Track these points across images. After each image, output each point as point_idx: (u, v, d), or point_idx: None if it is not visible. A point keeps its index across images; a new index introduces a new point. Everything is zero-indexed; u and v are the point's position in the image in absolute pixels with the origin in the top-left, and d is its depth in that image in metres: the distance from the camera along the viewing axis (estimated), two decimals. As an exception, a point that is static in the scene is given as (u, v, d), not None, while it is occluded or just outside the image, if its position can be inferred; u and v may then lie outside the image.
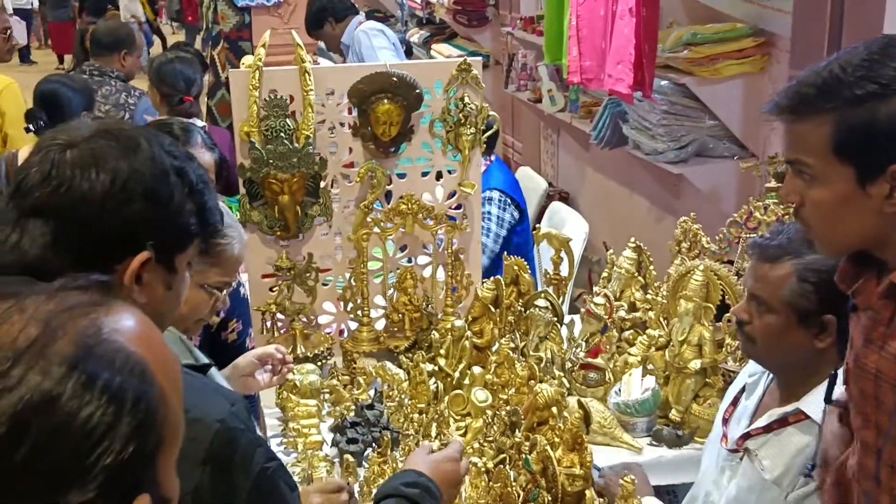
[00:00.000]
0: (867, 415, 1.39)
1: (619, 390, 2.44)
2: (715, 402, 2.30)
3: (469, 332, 2.55)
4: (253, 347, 2.56)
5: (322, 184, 2.72)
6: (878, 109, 1.27)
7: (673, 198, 4.15)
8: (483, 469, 2.02)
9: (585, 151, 5.09)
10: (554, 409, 2.01)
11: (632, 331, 2.61)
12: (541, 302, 2.62)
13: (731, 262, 2.53)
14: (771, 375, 1.97)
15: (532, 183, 4.75)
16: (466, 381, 2.42)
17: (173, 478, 0.76)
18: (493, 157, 3.63)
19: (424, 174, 2.86)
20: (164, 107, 3.74)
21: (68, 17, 13.00)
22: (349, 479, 2.14)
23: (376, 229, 2.74)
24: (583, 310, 2.69)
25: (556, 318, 2.62)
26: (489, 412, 2.28)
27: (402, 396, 2.44)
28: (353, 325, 2.84)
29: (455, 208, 2.89)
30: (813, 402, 1.81)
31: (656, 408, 2.41)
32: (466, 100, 2.75)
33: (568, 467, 1.82)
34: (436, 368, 2.52)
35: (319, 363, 2.63)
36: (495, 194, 3.48)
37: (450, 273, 2.82)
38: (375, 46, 4.70)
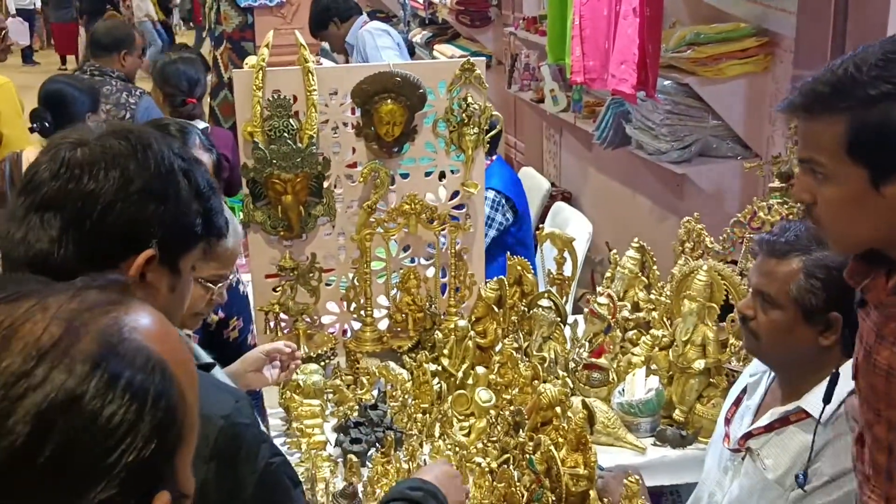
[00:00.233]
0: (878, 410, 1.39)
1: (623, 390, 2.43)
2: (719, 403, 2.29)
3: (472, 332, 2.55)
4: (254, 344, 2.57)
5: (325, 184, 2.73)
6: (893, 110, 1.26)
7: (676, 198, 4.14)
8: (487, 469, 2.01)
9: (588, 151, 5.09)
10: (558, 410, 2.00)
11: (635, 331, 2.61)
12: (544, 302, 2.62)
13: (734, 262, 2.53)
14: (772, 375, 1.97)
15: (534, 183, 4.75)
16: (470, 381, 2.42)
17: (190, 474, 0.77)
18: (494, 157, 3.63)
19: (428, 174, 2.86)
20: (167, 107, 3.75)
21: (71, 18, 13.01)
22: (353, 479, 2.14)
23: (379, 229, 2.74)
24: (586, 310, 2.69)
25: (559, 319, 2.61)
26: (493, 412, 2.28)
27: (406, 396, 2.44)
28: (357, 326, 2.84)
29: (458, 208, 2.89)
30: (814, 400, 1.81)
31: (660, 408, 2.40)
32: (470, 100, 2.75)
33: (572, 467, 1.82)
34: (439, 368, 2.52)
35: (323, 363, 2.63)
36: (490, 194, 3.48)
37: (453, 273, 2.82)
38: (380, 46, 4.70)
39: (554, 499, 1.80)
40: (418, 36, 6.85)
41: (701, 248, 2.62)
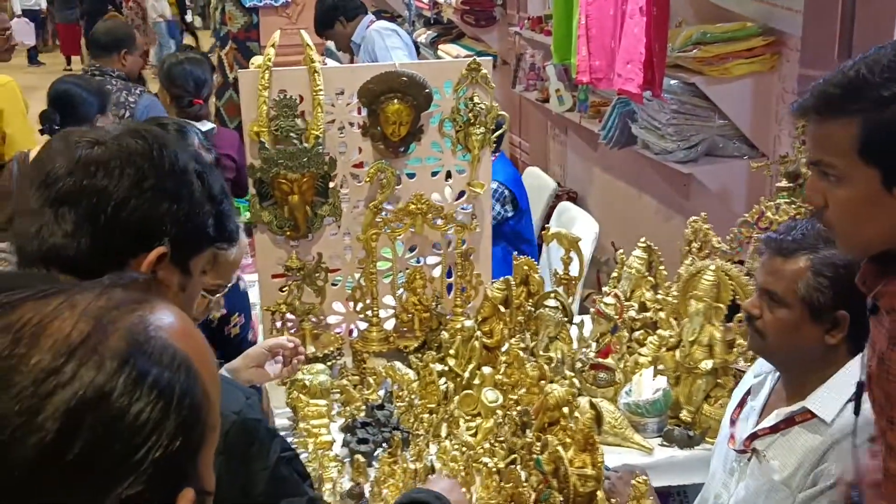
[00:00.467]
0: (892, 418, 1.38)
1: (630, 391, 2.43)
2: (726, 403, 2.28)
3: (479, 332, 2.55)
4: (255, 340, 2.58)
5: (331, 184, 2.73)
6: None
7: (682, 198, 4.13)
8: (494, 469, 2.01)
9: (593, 151, 5.08)
10: (565, 410, 2.00)
11: (642, 331, 2.60)
12: (551, 302, 2.62)
13: (741, 263, 2.52)
14: (776, 375, 1.96)
15: (540, 183, 4.75)
16: (476, 382, 2.42)
17: (212, 472, 0.77)
18: (497, 154, 3.62)
19: (434, 174, 2.86)
20: (174, 108, 3.75)
21: (76, 19, 13.03)
22: (360, 479, 2.14)
23: (386, 229, 2.74)
24: (593, 310, 2.69)
25: (566, 319, 2.61)
26: (499, 412, 2.28)
27: (412, 397, 2.44)
28: (363, 326, 2.84)
29: (464, 208, 2.89)
30: (819, 400, 1.80)
31: (667, 408, 2.40)
32: (476, 99, 2.75)
33: (579, 468, 1.81)
34: (446, 368, 2.52)
35: (329, 363, 2.63)
36: (493, 184, 3.47)
37: (459, 273, 2.82)
38: (389, 47, 4.70)
39: (561, 499, 1.80)
40: (423, 36, 6.85)
41: (708, 248, 2.62)
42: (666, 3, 3.34)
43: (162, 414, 0.69)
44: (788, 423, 1.85)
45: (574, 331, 2.65)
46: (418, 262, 2.91)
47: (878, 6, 2.75)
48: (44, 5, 14.48)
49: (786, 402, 1.89)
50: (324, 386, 2.48)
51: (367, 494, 2.10)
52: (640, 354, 2.52)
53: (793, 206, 2.48)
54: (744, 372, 2.32)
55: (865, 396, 1.52)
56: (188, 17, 13.04)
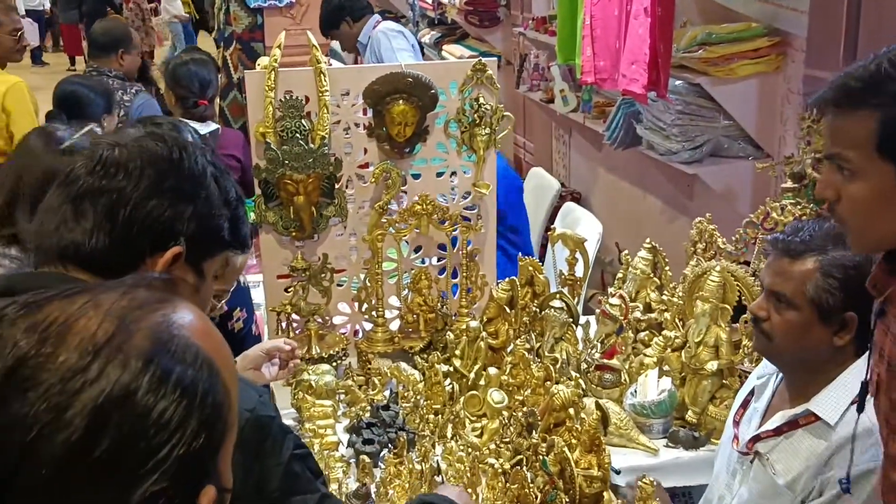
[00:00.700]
0: None
1: (635, 391, 2.43)
2: (731, 404, 2.28)
3: (484, 333, 2.55)
4: (259, 335, 2.58)
5: (337, 184, 2.73)
6: None
7: (687, 198, 4.13)
8: (500, 470, 2.01)
9: (598, 152, 5.08)
10: (571, 411, 2.00)
11: (647, 332, 2.60)
12: (556, 303, 2.61)
13: (747, 263, 2.52)
14: (779, 377, 1.96)
15: (544, 183, 4.74)
16: (482, 382, 2.42)
17: (230, 470, 0.79)
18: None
19: (439, 175, 2.86)
20: (179, 108, 3.75)
21: (79, 19, 13.05)
22: (365, 480, 2.14)
23: (391, 230, 2.74)
24: (598, 311, 2.68)
25: (571, 319, 2.61)
26: (505, 413, 2.28)
27: (418, 397, 2.44)
28: (368, 326, 2.84)
29: (469, 209, 2.89)
30: (823, 403, 1.80)
31: (672, 409, 2.40)
32: (481, 100, 2.75)
33: (586, 469, 1.81)
34: (451, 369, 2.52)
35: (334, 364, 2.63)
36: None
37: (464, 273, 2.82)
38: (395, 48, 4.69)
39: (567, 500, 1.80)
40: (427, 36, 6.85)
41: (713, 249, 2.62)
42: (671, 3, 3.34)
43: (186, 412, 0.70)
44: (792, 426, 1.85)
45: (579, 331, 2.65)
46: (423, 262, 2.91)
47: (883, 6, 2.74)
48: (48, 6, 14.51)
49: (789, 404, 1.89)
50: (329, 386, 2.48)
51: (372, 495, 2.10)
52: (645, 355, 2.52)
53: (798, 206, 2.48)
54: (749, 373, 2.32)
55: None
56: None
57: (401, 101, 2.68)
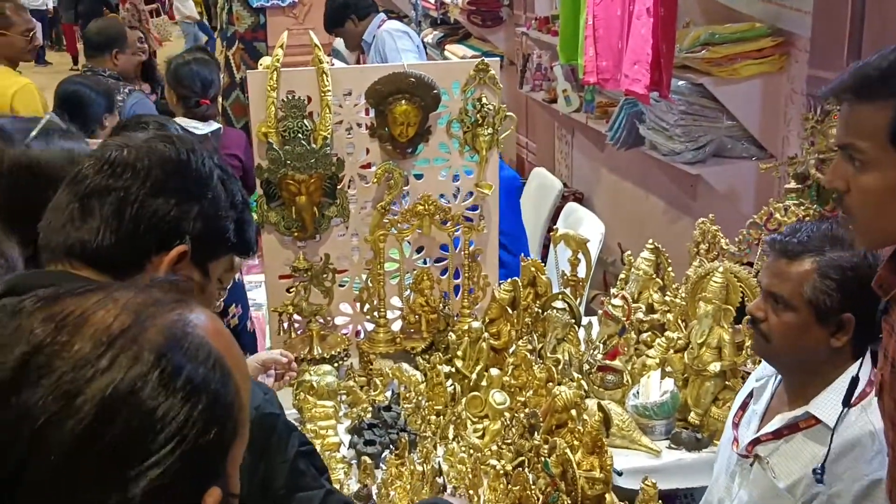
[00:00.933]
0: None
1: (638, 393, 2.42)
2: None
3: (486, 334, 2.54)
4: (253, 331, 2.57)
5: (339, 185, 2.72)
6: None
7: (689, 199, 4.12)
8: (501, 472, 2.00)
9: (600, 152, 5.07)
10: (573, 412, 1.99)
11: (650, 333, 2.59)
12: (558, 304, 2.61)
13: (750, 264, 2.51)
14: (778, 379, 1.95)
15: (546, 183, 4.74)
16: (484, 383, 2.41)
17: (237, 475, 0.79)
18: None
19: (442, 175, 2.86)
20: (181, 108, 3.75)
21: (75, 20, 13.06)
22: (367, 481, 2.14)
23: (393, 230, 2.74)
24: (600, 312, 2.68)
25: (573, 320, 2.60)
26: (507, 414, 2.28)
27: (419, 398, 2.44)
28: (370, 327, 2.84)
29: (472, 209, 2.88)
30: (823, 405, 1.79)
31: (675, 410, 2.39)
32: (484, 100, 2.74)
33: (588, 470, 1.80)
34: (453, 370, 2.51)
35: (336, 364, 2.63)
36: None
37: (466, 274, 2.82)
38: (400, 49, 4.67)
39: (569, 502, 1.79)
40: (430, 36, 6.84)
41: (716, 250, 2.61)
42: (674, 3, 3.33)
43: (194, 408, 0.71)
44: (792, 429, 1.84)
45: (582, 332, 2.65)
46: (425, 263, 2.91)
47: (887, 6, 2.73)
48: (51, 5, 14.52)
49: (788, 406, 1.88)
50: (331, 387, 2.48)
51: (374, 496, 2.10)
52: (647, 356, 2.51)
53: (801, 207, 2.47)
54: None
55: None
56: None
57: (403, 101, 2.68)
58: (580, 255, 2.78)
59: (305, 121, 2.63)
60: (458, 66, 3.02)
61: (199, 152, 1.28)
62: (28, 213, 1.40)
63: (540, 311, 2.66)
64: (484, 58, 2.82)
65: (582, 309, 2.79)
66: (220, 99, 4.87)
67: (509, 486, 1.94)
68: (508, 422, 2.23)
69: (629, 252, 2.84)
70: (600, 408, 2.21)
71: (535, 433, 2.05)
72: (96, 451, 0.67)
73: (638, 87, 3.43)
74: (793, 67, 3.38)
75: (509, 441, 2.17)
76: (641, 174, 4.58)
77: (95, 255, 1.18)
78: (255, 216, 2.67)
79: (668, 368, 2.45)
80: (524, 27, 5.51)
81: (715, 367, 2.34)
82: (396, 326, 2.86)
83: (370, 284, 2.78)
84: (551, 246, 2.92)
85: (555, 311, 2.59)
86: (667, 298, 2.62)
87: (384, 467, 2.17)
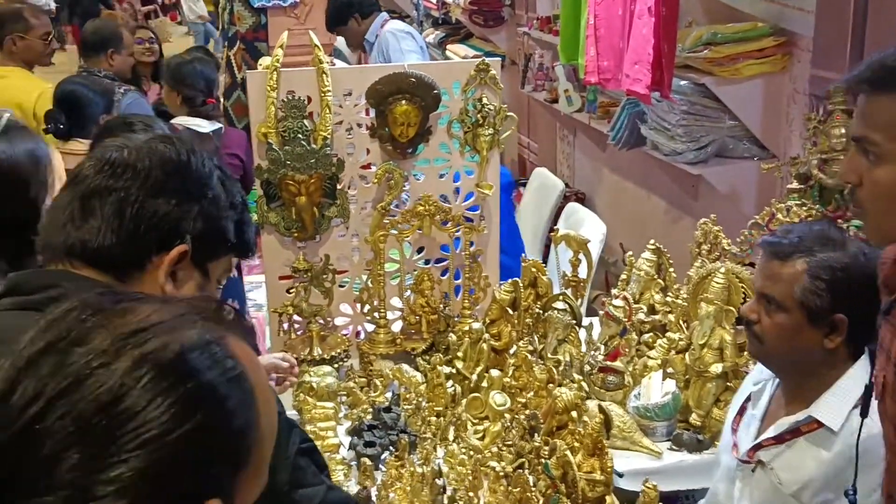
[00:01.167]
0: None
1: (639, 394, 2.41)
2: (736, 407, 2.27)
3: (487, 335, 2.53)
4: (251, 325, 2.56)
5: (339, 185, 2.72)
6: None
7: (691, 199, 4.11)
8: (502, 474, 2.00)
9: (602, 152, 5.06)
10: (573, 414, 1.98)
11: (651, 334, 2.58)
12: (559, 304, 2.60)
13: (752, 265, 2.50)
14: (776, 382, 1.94)
15: (548, 184, 4.73)
16: (484, 384, 2.41)
17: (250, 500, 0.79)
18: None
19: (442, 175, 2.85)
20: (185, 108, 3.74)
21: (69, 20, 13.06)
22: (366, 483, 2.13)
23: (393, 231, 2.73)
24: (602, 312, 2.67)
25: (574, 321, 2.59)
26: (507, 416, 2.27)
27: (420, 399, 2.43)
28: (370, 327, 2.83)
29: (472, 209, 2.87)
30: (825, 408, 1.78)
31: (676, 412, 2.38)
32: (484, 100, 2.73)
33: (588, 472, 1.79)
34: (453, 371, 2.50)
35: (336, 365, 2.62)
36: None
37: (467, 275, 2.81)
38: (404, 49, 4.66)
39: (570, 504, 1.78)
40: (431, 36, 6.83)
41: (718, 251, 2.60)
42: (675, 3, 3.32)
43: (195, 410, 0.70)
44: (794, 433, 1.82)
45: (583, 333, 2.64)
46: (426, 263, 2.90)
47: (890, 6, 2.72)
48: (53, 6, 14.52)
49: (786, 409, 1.87)
50: (331, 388, 2.47)
51: (373, 498, 2.09)
52: (649, 357, 2.50)
53: (804, 208, 2.46)
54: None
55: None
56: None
57: (403, 102, 2.67)
58: (581, 256, 2.76)
59: (305, 121, 2.62)
60: (458, 66, 3.01)
61: (198, 153, 1.29)
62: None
63: (541, 311, 2.65)
64: (485, 58, 2.81)
65: (583, 310, 2.78)
66: (221, 99, 4.87)
67: (509, 488, 1.93)
68: (509, 423, 2.22)
69: (630, 252, 2.83)
70: (601, 409, 2.20)
71: (536, 435, 2.04)
72: (104, 426, 0.68)
73: (639, 87, 3.42)
74: (795, 67, 3.36)
75: (510, 443, 2.16)
76: (643, 174, 4.57)
77: (96, 255, 1.18)
78: (254, 216, 2.69)
79: (670, 369, 2.44)
80: (526, 27, 5.50)
81: (716, 368, 2.33)
82: (397, 327, 2.85)
83: (370, 285, 2.77)
84: (552, 246, 2.91)
85: (556, 311, 2.58)
86: (668, 299, 2.61)
87: (384, 469, 2.16)
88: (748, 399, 2.00)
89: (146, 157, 1.23)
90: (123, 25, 5.01)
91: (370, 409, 2.42)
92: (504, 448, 2.16)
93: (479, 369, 2.47)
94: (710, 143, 3.57)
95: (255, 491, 0.78)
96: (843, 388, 1.77)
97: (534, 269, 2.74)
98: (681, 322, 2.51)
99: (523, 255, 2.94)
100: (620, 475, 2.07)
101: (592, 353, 2.58)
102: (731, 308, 2.34)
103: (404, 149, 2.75)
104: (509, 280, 2.73)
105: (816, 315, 1.75)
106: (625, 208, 4.89)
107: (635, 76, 3.43)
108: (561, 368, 2.45)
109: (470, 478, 2.03)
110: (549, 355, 2.54)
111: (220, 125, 3.84)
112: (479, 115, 2.74)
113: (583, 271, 2.77)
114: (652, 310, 2.63)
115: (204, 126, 3.60)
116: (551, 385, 2.27)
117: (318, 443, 2.28)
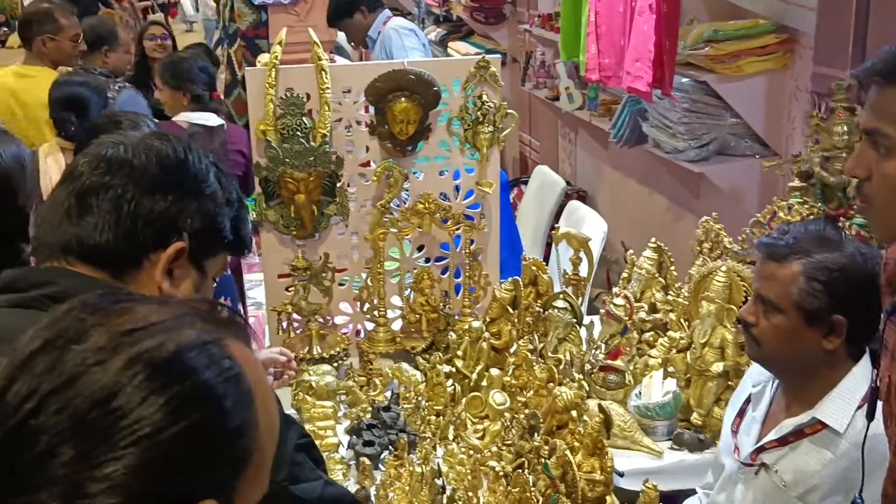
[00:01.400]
0: None
1: (640, 393, 2.40)
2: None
3: (487, 334, 2.52)
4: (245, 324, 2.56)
5: (338, 183, 2.70)
6: None
7: (693, 197, 4.10)
8: (501, 473, 1.99)
9: (604, 150, 5.05)
10: (574, 413, 1.97)
11: (652, 332, 2.57)
12: (559, 303, 2.59)
13: (753, 263, 2.48)
14: (776, 383, 1.92)
15: (549, 181, 4.71)
16: (484, 383, 2.40)
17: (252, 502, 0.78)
18: None
19: (442, 173, 2.84)
20: (190, 105, 3.72)
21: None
22: (365, 482, 2.12)
23: (393, 229, 2.72)
24: (602, 311, 2.66)
25: (575, 320, 2.58)
26: (507, 415, 2.26)
27: (419, 398, 2.42)
28: (370, 326, 2.82)
29: (472, 207, 2.86)
30: (830, 410, 1.76)
31: (677, 411, 2.37)
32: (484, 98, 2.72)
33: (588, 472, 1.78)
34: (453, 370, 2.49)
35: (335, 364, 2.61)
36: None
37: (467, 273, 2.80)
38: (407, 47, 4.62)
39: (570, 504, 1.77)
40: (433, 33, 6.82)
41: (719, 249, 2.59)
42: (677, 0, 3.31)
43: (192, 407, 0.70)
44: (798, 435, 1.81)
45: (583, 332, 2.62)
46: (426, 262, 2.89)
47: (892, 3, 2.70)
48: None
49: (787, 410, 1.85)
50: (330, 387, 2.46)
51: (372, 498, 2.08)
52: (650, 356, 2.49)
53: (805, 206, 2.45)
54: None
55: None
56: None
57: (403, 99, 2.66)
58: (582, 254, 2.75)
59: (304, 118, 2.61)
60: (458, 63, 3.00)
61: (195, 150, 1.28)
62: None
63: (541, 310, 2.64)
64: (486, 55, 2.80)
65: (584, 308, 2.77)
66: (221, 96, 4.87)
67: (509, 488, 1.92)
68: (508, 423, 2.21)
69: (632, 251, 2.81)
70: (601, 408, 2.18)
71: (536, 434, 2.03)
72: (105, 422, 0.67)
73: (640, 85, 3.41)
74: (797, 64, 3.35)
75: (509, 442, 2.15)
76: (644, 172, 4.56)
77: (92, 252, 1.18)
78: (253, 214, 2.68)
79: (671, 368, 2.43)
80: (527, 24, 5.48)
81: (718, 367, 2.32)
82: (396, 326, 2.84)
83: (370, 283, 2.76)
84: (553, 244, 2.90)
85: (556, 310, 2.57)
86: (669, 298, 2.60)
87: (383, 468, 2.15)
88: (748, 401, 1.99)
89: (142, 153, 1.23)
90: (122, 24, 5.00)
91: (369, 408, 2.41)
92: (504, 447, 2.15)
93: (478, 368, 2.46)
94: (711, 140, 3.56)
95: (257, 492, 0.78)
96: (846, 389, 1.76)
97: (534, 268, 2.72)
98: (682, 321, 2.50)
99: (523, 253, 2.93)
100: (621, 475, 2.06)
101: (593, 351, 2.57)
102: (733, 307, 2.32)
103: (404, 146, 2.74)
104: (509, 278, 2.72)
105: (814, 316, 1.74)
106: (626, 206, 4.87)
107: (636, 73, 3.41)
108: (561, 367, 2.44)
109: (469, 477, 2.01)
110: (550, 354, 2.53)
111: (222, 121, 3.83)
112: (479, 113, 2.72)
113: (584, 270, 2.76)
114: (653, 308, 2.62)
115: (210, 120, 3.60)
116: (551, 384, 2.26)
117: (317, 442, 2.28)
